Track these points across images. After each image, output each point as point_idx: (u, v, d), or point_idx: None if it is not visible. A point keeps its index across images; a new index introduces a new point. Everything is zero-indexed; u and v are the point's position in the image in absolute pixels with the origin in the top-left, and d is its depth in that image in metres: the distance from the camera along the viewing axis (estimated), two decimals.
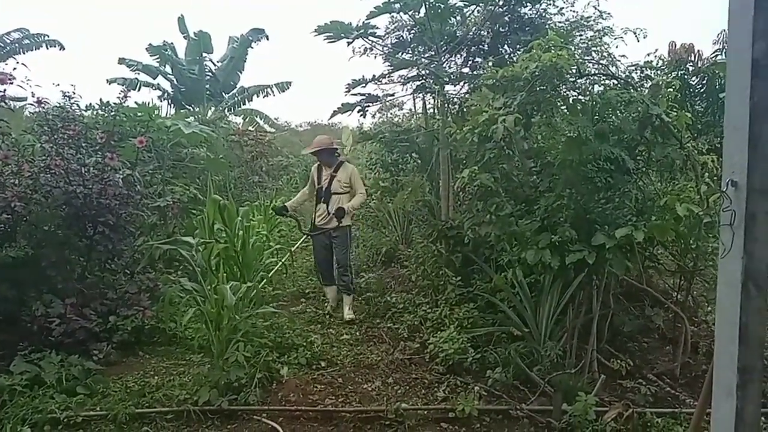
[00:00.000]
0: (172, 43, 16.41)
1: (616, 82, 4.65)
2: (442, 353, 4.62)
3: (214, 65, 16.95)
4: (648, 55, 4.87)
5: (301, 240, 7.54)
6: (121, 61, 15.68)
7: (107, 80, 15.69)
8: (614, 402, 4.04)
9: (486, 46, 6.59)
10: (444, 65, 6.54)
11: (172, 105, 16.78)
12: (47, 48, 16.70)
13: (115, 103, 7.18)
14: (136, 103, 7.99)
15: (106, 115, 7.13)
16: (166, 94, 16.77)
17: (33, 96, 5.53)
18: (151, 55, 16.03)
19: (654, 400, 4.18)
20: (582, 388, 3.99)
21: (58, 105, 5.99)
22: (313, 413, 4.03)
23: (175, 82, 16.69)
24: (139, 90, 16.12)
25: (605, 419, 3.79)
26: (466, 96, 6.45)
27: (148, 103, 8.25)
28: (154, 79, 16.52)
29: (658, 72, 5.94)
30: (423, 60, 6.61)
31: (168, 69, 16.50)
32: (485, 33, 6.57)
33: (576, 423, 3.75)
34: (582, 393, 3.86)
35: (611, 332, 4.88)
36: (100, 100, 7.48)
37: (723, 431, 2.08)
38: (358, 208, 6.48)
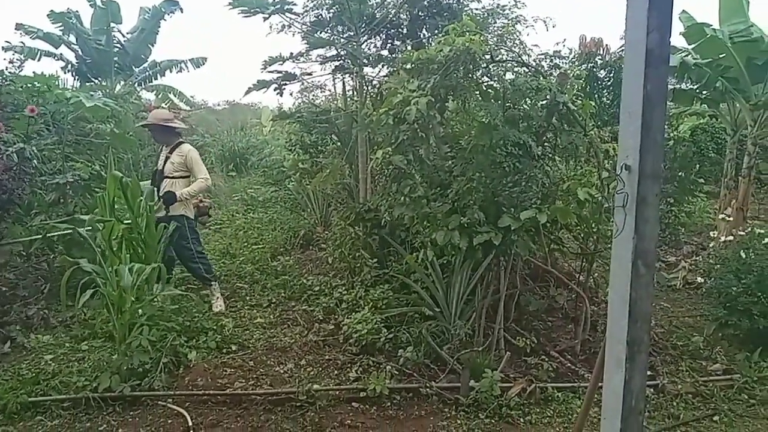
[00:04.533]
0: (77, 11, 15.28)
1: (526, 69, 4.79)
2: (356, 334, 4.64)
3: (123, 37, 15.94)
4: (557, 44, 5.04)
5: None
6: (19, 27, 14.42)
7: (2, 47, 14.43)
8: (518, 378, 4.22)
9: (405, 29, 6.59)
10: (363, 47, 6.50)
11: (77, 77, 15.68)
12: None
13: (9, 72, 6.61)
14: (34, 72, 7.40)
15: None
16: (70, 66, 15.63)
17: None
18: (53, 23, 14.83)
19: (555, 375, 4.40)
20: (489, 365, 4.15)
21: None
22: (221, 397, 3.95)
23: (80, 53, 15.57)
24: (39, 60, 14.89)
25: (509, 394, 3.97)
26: (385, 79, 6.44)
27: (50, 74, 7.66)
28: (57, 48, 15.36)
29: (569, 63, 6.20)
30: (341, 40, 6.53)
31: (72, 39, 15.35)
32: (404, 16, 6.57)
33: (482, 399, 3.90)
34: (488, 370, 4.01)
35: (518, 311, 5.08)
36: None
37: (613, 401, 2.20)
38: (193, 195, 5.67)
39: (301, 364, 4.51)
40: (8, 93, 6.28)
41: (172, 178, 5.63)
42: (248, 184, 12.00)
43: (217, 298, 5.70)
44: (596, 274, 5.65)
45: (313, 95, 10.72)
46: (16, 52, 13.80)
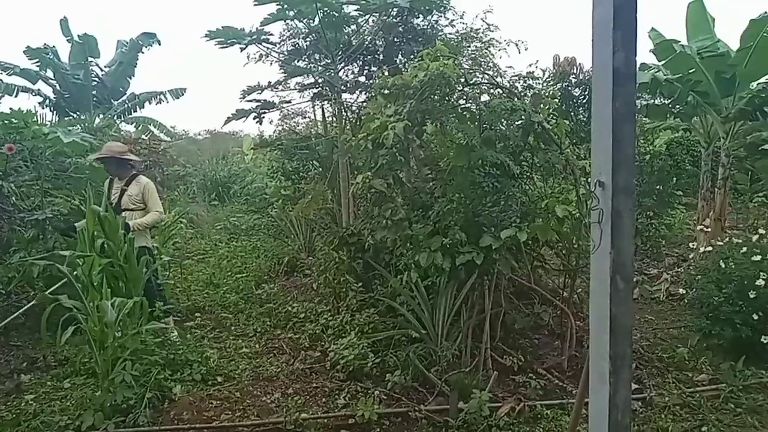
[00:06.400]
0: (54, 47, 15.28)
1: (501, 91, 4.88)
2: (343, 360, 4.60)
3: (102, 70, 15.96)
4: (530, 66, 5.15)
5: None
6: None
7: None
8: (507, 397, 4.22)
9: (381, 55, 6.71)
10: (340, 74, 6.59)
11: (56, 112, 15.61)
12: None
13: None
14: (11, 109, 7.37)
15: None
16: (48, 101, 15.58)
17: None
18: (29, 59, 14.81)
19: (544, 392, 4.40)
20: (477, 386, 4.14)
21: None
22: (208, 430, 3.88)
23: (58, 87, 15.53)
24: (16, 96, 14.84)
25: (499, 414, 3.96)
26: (363, 104, 6.52)
27: (27, 110, 7.61)
28: (34, 84, 15.30)
29: (542, 83, 6.32)
30: (319, 68, 6.62)
31: (50, 74, 15.35)
32: (380, 42, 6.69)
33: (471, 420, 3.88)
34: (476, 390, 4.00)
35: (504, 330, 5.09)
36: None
37: (599, 416, 2.21)
38: (148, 226, 5.59)
39: (288, 393, 4.46)
40: None
41: (131, 210, 5.53)
42: (231, 212, 11.97)
43: (171, 330, 5.43)
44: (580, 290, 5.69)
45: (294, 122, 10.82)
46: None
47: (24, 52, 14.62)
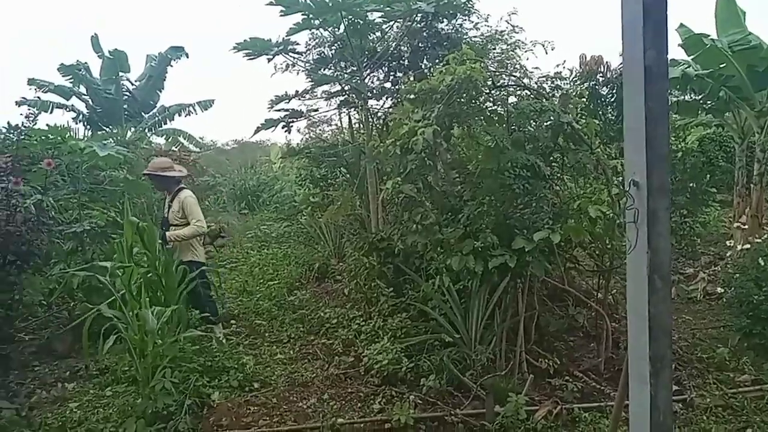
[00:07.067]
0: (86, 63, 15.74)
1: (529, 92, 4.86)
2: (377, 365, 4.63)
3: (132, 84, 16.37)
4: (557, 66, 5.12)
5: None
6: (31, 82, 14.86)
7: (16, 102, 14.82)
8: (544, 400, 4.18)
9: (406, 61, 6.74)
10: (366, 80, 6.63)
11: (89, 127, 16.05)
12: None
13: (24, 126, 6.79)
14: (47, 125, 7.61)
15: (14, 138, 6.72)
16: (81, 116, 16.03)
17: None
18: (63, 76, 15.28)
19: (581, 395, 4.35)
20: (512, 389, 4.12)
21: None
22: None
23: (91, 102, 15.98)
24: (51, 112, 15.30)
25: (536, 417, 3.92)
26: (389, 110, 6.56)
27: (64, 126, 7.87)
28: (68, 100, 15.76)
29: (569, 83, 6.27)
30: (345, 75, 6.67)
31: (82, 89, 15.79)
32: (405, 48, 6.72)
33: (508, 423, 3.86)
34: (512, 394, 3.98)
35: (538, 333, 5.05)
36: (8, 123, 7.05)
37: (640, 419, 2.19)
38: (186, 238, 5.53)
39: (323, 398, 4.49)
40: (24, 147, 6.45)
41: (176, 225, 5.62)
42: (261, 220, 12.11)
43: (219, 338, 5.48)
44: (614, 291, 5.62)
45: (320, 130, 10.93)
46: (29, 106, 14.16)
47: (58, 69, 15.09)
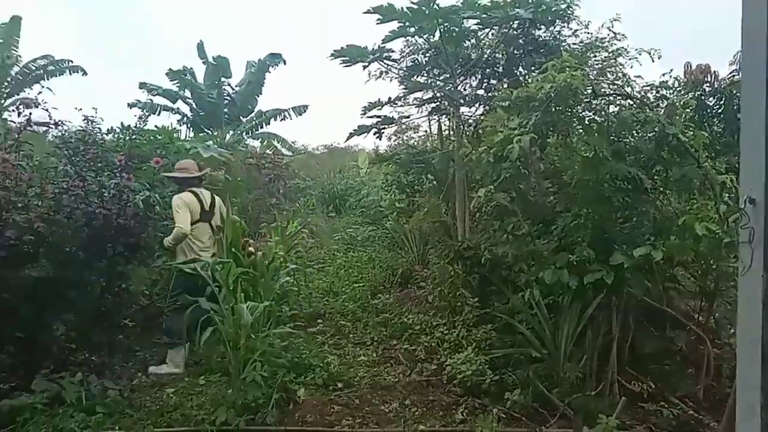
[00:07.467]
0: (191, 68, 16.78)
1: (631, 102, 4.66)
2: (460, 375, 4.58)
3: (233, 89, 17.24)
4: (663, 75, 4.87)
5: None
6: (142, 85, 16.04)
7: (128, 104, 16.05)
8: (636, 425, 3.99)
9: (501, 68, 6.65)
10: (459, 87, 6.61)
11: (191, 129, 17.06)
12: (70, 74, 17.17)
13: (135, 127, 7.32)
14: (155, 126, 8.17)
15: (126, 138, 7.26)
16: (185, 118, 17.07)
17: (50, 119, 5.55)
18: (170, 80, 16.38)
19: (677, 423, 4.10)
20: (603, 411, 3.93)
21: (79, 128, 6.11)
22: None
23: (194, 106, 17.01)
24: (158, 114, 16.43)
25: None
26: (481, 118, 6.49)
27: (168, 127, 8.42)
28: (174, 103, 16.85)
29: (674, 92, 5.94)
30: (438, 82, 6.68)
31: (187, 93, 16.84)
32: (500, 55, 6.64)
33: None
34: (603, 416, 3.80)
35: (632, 354, 4.81)
36: (121, 123, 7.63)
37: None
38: (170, 243, 5.32)
39: (405, 403, 4.50)
40: (136, 146, 6.95)
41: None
42: (347, 224, 12.33)
43: (168, 363, 5.19)
44: (717, 314, 5.25)
45: (407, 136, 11.01)
46: (140, 108, 15.27)
47: (166, 74, 16.18)
